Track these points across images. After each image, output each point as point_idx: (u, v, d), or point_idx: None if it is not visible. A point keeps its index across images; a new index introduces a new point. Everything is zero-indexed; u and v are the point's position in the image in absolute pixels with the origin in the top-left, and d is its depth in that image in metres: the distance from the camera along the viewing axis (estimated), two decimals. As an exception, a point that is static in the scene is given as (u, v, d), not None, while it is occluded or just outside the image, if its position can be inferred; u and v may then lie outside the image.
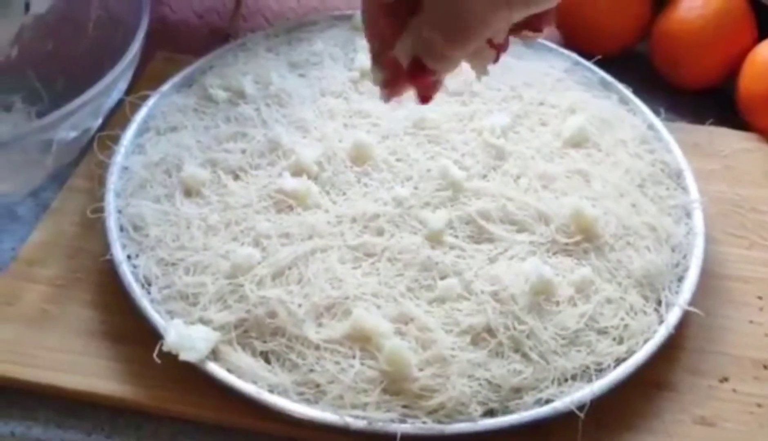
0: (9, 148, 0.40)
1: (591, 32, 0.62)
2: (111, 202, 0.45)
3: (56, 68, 0.55)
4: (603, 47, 0.59)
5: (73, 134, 0.42)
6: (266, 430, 0.38)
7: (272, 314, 0.39)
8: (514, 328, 0.39)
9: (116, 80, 0.43)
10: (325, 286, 0.40)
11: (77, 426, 0.39)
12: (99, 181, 0.47)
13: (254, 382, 0.37)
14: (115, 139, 0.48)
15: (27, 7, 0.55)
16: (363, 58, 0.55)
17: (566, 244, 0.44)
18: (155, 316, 0.40)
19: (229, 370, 0.38)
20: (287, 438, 0.38)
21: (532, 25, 0.34)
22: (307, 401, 0.37)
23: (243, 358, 0.38)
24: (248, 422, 0.38)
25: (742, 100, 0.58)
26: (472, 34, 0.31)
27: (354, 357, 0.38)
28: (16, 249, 0.47)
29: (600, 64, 0.58)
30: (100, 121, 0.46)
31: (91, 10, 0.54)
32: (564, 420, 0.38)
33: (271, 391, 0.37)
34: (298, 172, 0.46)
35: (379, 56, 0.35)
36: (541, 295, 0.41)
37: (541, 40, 0.60)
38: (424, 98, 0.35)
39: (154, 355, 0.38)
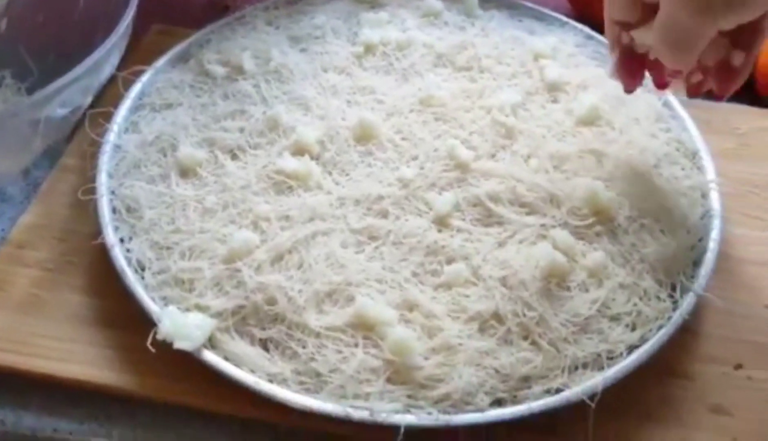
0: (-2, 125, 0.38)
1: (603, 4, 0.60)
2: (103, 183, 0.43)
3: (47, 42, 0.53)
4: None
5: (63, 112, 0.40)
6: (265, 420, 0.37)
7: (271, 301, 0.37)
8: (524, 315, 0.37)
9: (108, 54, 0.41)
10: (327, 271, 0.39)
11: (70, 414, 0.38)
12: (90, 161, 0.45)
13: (252, 371, 0.36)
14: (108, 117, 0.46)
15: (15, -22, 0.52)
16: (367, 32, 0.53)
17: (578, 227, 0.42)
18: (149, 302, 0.38)
19: (226, 359, 0.36)
20: (287, 428, 0.37)
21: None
22: (308, 391, 0.35)
23: (241, 346, 0.37)
24: (246, 411, 0.37)
25: (759, 76, 0.56)
26: (689, 42, 0.35)
27: (356, 345, 0.36)
28: (6, 230, 0.46)
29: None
30: (91, 98, 0.44)
31: (82, -20, 0.52)
32: (574, 409, 0.36)
33: (270, 381, 0.36)
34: (298, 151, 0.44)
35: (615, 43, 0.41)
36: (553, 280, 0.39)
37: (552, 13, 0.57)
38: (660, 85, 0.42)
39: (148, 343, 0.36)
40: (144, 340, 0.37)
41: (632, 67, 0.41)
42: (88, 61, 0.39)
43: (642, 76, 0.42)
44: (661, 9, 0.35)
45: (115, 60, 0.45)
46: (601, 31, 0.56)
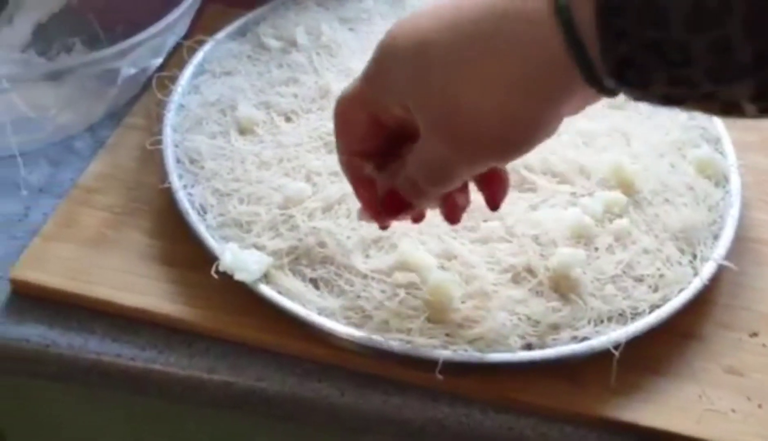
0: (72, 77, 0.42)
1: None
2: (168, 136, 0.47)
3: (117, 14, 0.57)
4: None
5: (133, 70, 0.44)
6: (313, 355, 0.40)
7: (322, 244, 0.41)
8: (554, 270, 0.40)
9: (177, 21, 0.45)
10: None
11: (132, 342, 0.41)
12: (157, 118, 0.49)
13: (303, 305, 0.39)
14: (173, 79, 0.50)
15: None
16: (411, 15, 0.56)
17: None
18: (210, 240, 0.41)
19: (279, 293, 0.40)
20: (332, 363, 0.40)
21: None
22: (354, 325, 0.39)
23: (293, 283, 0.40)
24: (296, 346, 0.40)
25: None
26: (453, 180, 0.32)
27: (399, 286, 0.39)
28: (75, 179, 0.49)
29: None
30: (160, 60, 0.48)
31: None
32: (598, 359, 0.39)
33: (319, 314, 0.39)
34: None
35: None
36: (581, 241, 0.42)
37: None
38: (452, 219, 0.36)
39: (212, 272, 0.40)
40: (204, 277, 0.41)
41: (395, 201, 0.35)
42: (160, 24, 0.43)
43: (406, 209, 0.36)
44: (425, 146, 0.31)
45: (181, 28, 0.49)
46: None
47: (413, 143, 0.32)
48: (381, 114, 0.33)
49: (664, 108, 0.27)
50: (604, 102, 0.51)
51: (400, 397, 0.40)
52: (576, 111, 0.33)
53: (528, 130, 0.30)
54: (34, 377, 0.43)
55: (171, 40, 0.49)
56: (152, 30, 0.42)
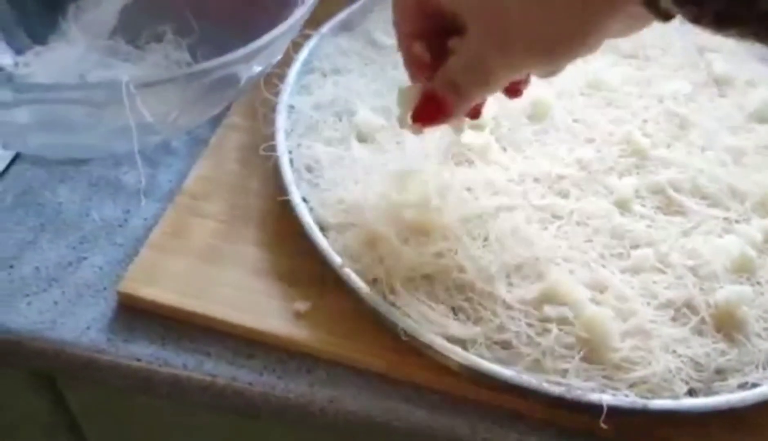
0: (196, 81, 0.38)
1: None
2: (282, 142, 0.43)
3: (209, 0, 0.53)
4: None
5: (256, 72, 0.41)
6: (445, 387, 0.37)
7: (461, 269, 0.37)
8: (717, 307, 0.37)
9: (305, 14, 0.41)
10: (514, 245, 0.38)
11: (248, 365, 0.39)
12: (264, 119, 0.46)
13: (439, 334, 0.36)
14: (281, 78, 0.47)
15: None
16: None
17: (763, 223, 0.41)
18: (336, 257, 0.38)
19: (409, 317, 0.36)
20: (465, 397, 0.37)
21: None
22: (500, 361, 0.35)
23: (428, 309, 0.36)
24: (425, 376, 0.37)
25: None
26: (491, 82, 0.33)
27: (548, 321, 0.36)
28: (173, 182, 0.46)
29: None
30: (280, 56, 0.44)
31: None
32: (765, 407, 0.35)
33: (456, 344, 0.35)
34: (475, 125, 0.44)
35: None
36: (744, 274, 0.38)
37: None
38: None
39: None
40: (323, 297, 0.38)
41: (433, 105, 0.35)
42: (291, 19, 0.39)
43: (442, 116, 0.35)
44: (468, 44, 0.32)
45: (303, 20, 0.45)
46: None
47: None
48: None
49: (716, 34, 0.26)
50: (745, 114, 0.48)
51: (536, 436, 0.36)
52: (620, 33, 0.33)
53: (573, 38, 0.30)
54: (143, 394, 0.40)
55: (295, 34, 0.45)
56: (278, 30, 0.38)
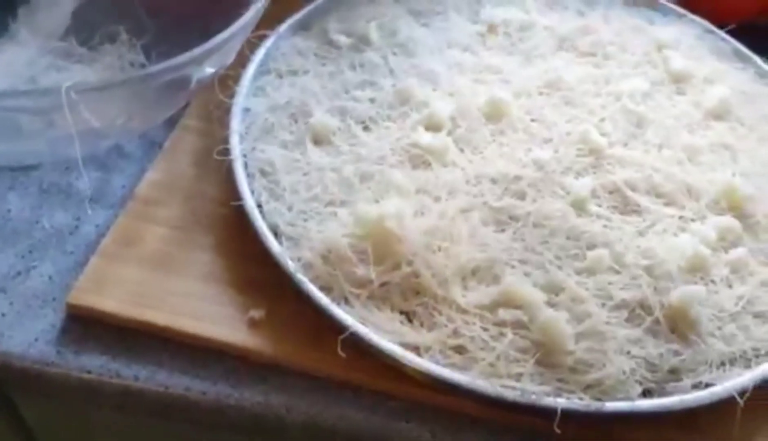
0: (143, 84, 0.37)
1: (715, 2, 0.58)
2: (236, 146, 0.42)
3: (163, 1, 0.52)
4: (723, 17, 0.56)
5: (207, 73, 0.40)
6: (401, 393, 0.37)
7: (416, 273, 0.37)
8: (671, 307, 0.37)
9: (252, 19, 0.40)
10: (470, 248, 0.38)
11: (202, 375, 0.38)
12: (219, 122, 0.45)
13: (393, 340, 0.35)
14: (235, 79, 0.46)
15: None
16: (489, 11, 0.52)
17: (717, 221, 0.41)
18: (290, 264, 0.38)
19: (364, 324, 0.36)
20: (421, 402, 0.37)
21: None
22: (454, 366, 0.35)
23: (382, 315, 0.36)
24: (382, 383, 0.37)
25: None
26: None
27: (504, 324, 0.36)
28: (127, 187, 0.45)
29: (731, 34, 0.54)
30: (230, 60, 0.43)
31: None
32: (719, 405, 0.36)
33: (411, 350, 0.35)
34: (432, 126, 0.43)
35: None
36: (698, 274, 0.38)
37: (670, 5, 0.56)
38: None
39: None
40: (277, 304, 0.37)
41: None
42: (243, 20, 0.38)
43: None
44: None
45: (252, 26, 0.45)
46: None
47: None
48: None
49: None
50: (702, 111, 0.48)
51: (496, 439, 0.36)
52: None
53: None
54: (92, 406, 0.39)
55: (247, 34, 0.44)
56: (229, 32, 0.37)
